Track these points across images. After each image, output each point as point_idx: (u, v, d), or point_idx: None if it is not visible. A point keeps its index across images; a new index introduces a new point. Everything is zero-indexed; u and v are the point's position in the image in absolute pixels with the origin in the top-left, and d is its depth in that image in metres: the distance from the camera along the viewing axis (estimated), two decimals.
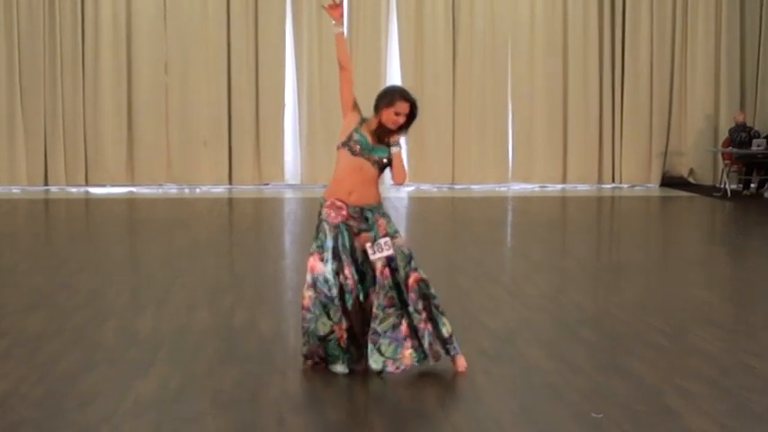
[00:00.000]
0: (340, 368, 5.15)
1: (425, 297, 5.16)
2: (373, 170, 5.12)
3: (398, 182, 5.20)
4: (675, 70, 16.88)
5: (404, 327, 5.14)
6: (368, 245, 5.07)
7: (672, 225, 12.92)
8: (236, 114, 16.25)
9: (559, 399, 4.80)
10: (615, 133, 16.87)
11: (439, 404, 4.78)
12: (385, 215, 5.17)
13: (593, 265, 9.42)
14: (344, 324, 5.14)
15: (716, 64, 16.82)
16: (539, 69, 16.72)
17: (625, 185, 16.82)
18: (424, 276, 5.17)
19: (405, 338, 5.15)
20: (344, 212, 5.10)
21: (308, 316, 5.17)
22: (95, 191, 15.84)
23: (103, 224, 12.68)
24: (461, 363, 5.22)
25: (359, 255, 5.13)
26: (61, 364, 5.32)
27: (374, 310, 5.08)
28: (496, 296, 7.35)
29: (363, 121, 5.18)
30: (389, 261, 5.09)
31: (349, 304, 5.13)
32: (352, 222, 5.11)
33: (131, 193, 15.74)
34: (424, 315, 5.15)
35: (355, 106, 5.20)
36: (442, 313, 5.21)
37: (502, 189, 16.49)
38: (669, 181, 16.99)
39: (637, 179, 16.92)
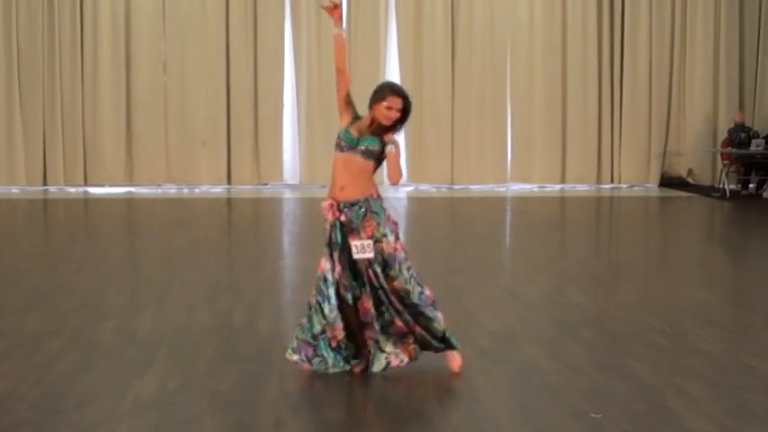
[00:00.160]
0: (328, 369, 5.12)
1: (405, 305, 5.12)
2: (362, 161, 5.05)
3: (394, 181, 5.16)
4: (674, 71, 16.88)
5: (399, 323, 5.12)
6: (353, 242, 5.05)
7: (671, 225, 12.93)
8: (234, 114, 16.25)
9: (559, 399, 4.79)
10: (614, 133, 16.88)
11: (438, 404, 4.77)
12: (377, 214, 5.08)
13: (593, 265, 9.41)
14: (340, 324, 5.12)
15: (715, 64, 16.82)
16: (538, 70, 16.72)
17: (624, 186, 16.82)
18: (407, 287, 5.08)
19: (402, 333, 5.14)
20: (336, 210, 5.08)
21: (309, 312, 5.18)
22: (94, 191, 15.84)
23: (102, 224, 12.67)
24: (456, 363, 5.19)
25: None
26: (59, 365, 5.30)
27: (370, 308, 5.08)
28: (496, 296, 7.34)
29: (355, 119, 5.15)
30: (370, 263, 5.08)
31: (348, 302, 5.12)
32: (344, 219, 5.08)
33: (130, 193, 15.73)
34: (408, 316, 5.12)
35: (348, 108, 5.18)
36: (429, 317, 5.12)
37: (501, 189, 16.49)
38: (668, 181, 16.99)
39: (636, 179, 16.92)
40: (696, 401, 4.73)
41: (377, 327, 5.10)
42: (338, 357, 5.17)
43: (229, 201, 14.99)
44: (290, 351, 5.20)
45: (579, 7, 16.64)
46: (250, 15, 16.17)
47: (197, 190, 16.02)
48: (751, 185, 15.76)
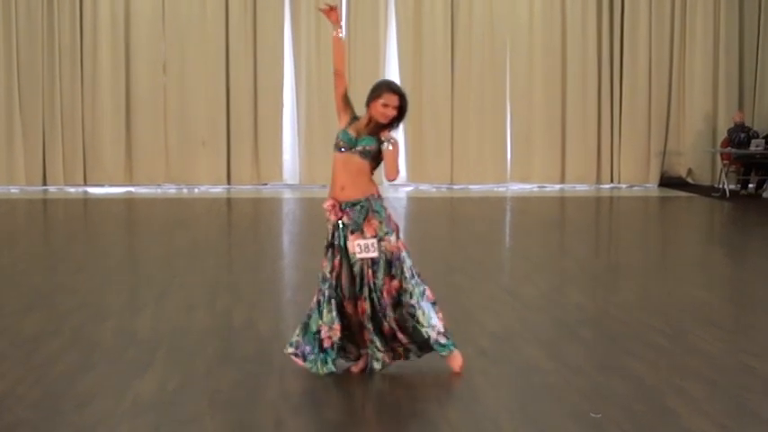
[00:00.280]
0: (318, 370, 5.11)
1: (400, 305, 5.11)
2: (360, 161, 5.06)
3: (390, 178, 5.14)
4: (674, 70, 16.88)
5: (386, 327, 5.11)
6: (355, 242, 5.04)
7: (670, 225, 12.93)
8: (234, 114, 16.25)
9: (559, 399, 4.79)
10: (614, 133, 16.87)
11: (438, 404, 4.77)
12: (379, 213, 5.08)
13: (593, 265, 9.41)
14: (337, 325, 5.11)
15: (714, 64, 16.82)
16: (537, 69, 16.72)
17: (623, 185, 16.82)
18: (406, 286, 5.07)
19: (392, 336, 5.13)
20: (338, 211, 5.08)
21: (310, 311, 5.19)
22: (94, 191, 15.83)
23: (102, 224, 12.66)
24: (457, 362, 5.18)
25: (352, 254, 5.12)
26: (59, 365, 5.30)
27: (366, 309, 5.08)
28: (496, 296, 7.34)
29: (354, 119, 5.15)
30: (372, 263, 5.07)
31: (348, 303, 5.12)
32: (346, 220, 5.08)
33: (130, 193, 15.73)
34: (394, 324, 5.10)
35: (346, 108, 5.18)
36: (418, 322, 5.09)
37: (500, 189, 16.49)
38: (667, 181, 16.99)
39: (635, 179, 16.92)
40: (696, 401, 4.72)
41: (370, 327, 5.10)
42: (327, 358, 5.13)
43: (229, 201, 14.99)
44: (288, 344, 5.23)
45: (579, 6, 16.64)
46: (249, 16, 16.16)
47: (197, 190, 16.02)
48: (750, 185, 15.76)
